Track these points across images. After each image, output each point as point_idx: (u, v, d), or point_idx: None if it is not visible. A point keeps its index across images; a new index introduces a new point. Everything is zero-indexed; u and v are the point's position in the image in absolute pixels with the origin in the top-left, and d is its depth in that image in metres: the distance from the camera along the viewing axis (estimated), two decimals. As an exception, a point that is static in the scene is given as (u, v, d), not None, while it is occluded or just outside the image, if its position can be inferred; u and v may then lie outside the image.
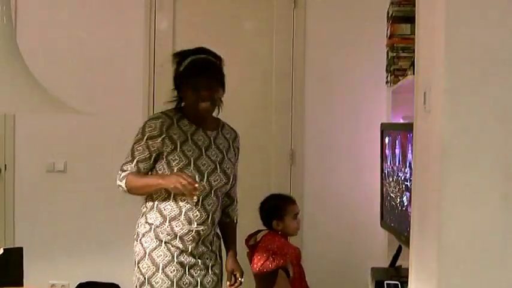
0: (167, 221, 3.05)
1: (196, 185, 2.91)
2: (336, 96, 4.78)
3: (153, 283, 3.02)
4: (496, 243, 2.00)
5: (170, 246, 3.05)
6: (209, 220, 3.09)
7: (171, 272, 3.03)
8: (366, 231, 4.64)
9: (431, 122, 2.22)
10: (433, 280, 2.09)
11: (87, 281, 4.71)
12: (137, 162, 3.07)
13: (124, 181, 3.07)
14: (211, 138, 3.16)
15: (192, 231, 3.05)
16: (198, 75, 3.05)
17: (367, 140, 4.59)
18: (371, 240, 4.61)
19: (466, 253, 2.02)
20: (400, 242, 3.65)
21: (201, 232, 3.07)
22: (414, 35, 2.72)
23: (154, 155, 3.06)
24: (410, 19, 3.55)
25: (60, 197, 4.90)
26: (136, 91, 4.85)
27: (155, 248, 3.05)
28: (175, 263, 3.04)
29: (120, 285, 4.62)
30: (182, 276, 3.05)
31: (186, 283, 3.06)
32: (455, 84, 2.00)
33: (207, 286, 3.13)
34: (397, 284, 3.38)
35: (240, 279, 3.29)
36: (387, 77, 4.15)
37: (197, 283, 3.09)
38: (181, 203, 3.04)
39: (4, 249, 3.33)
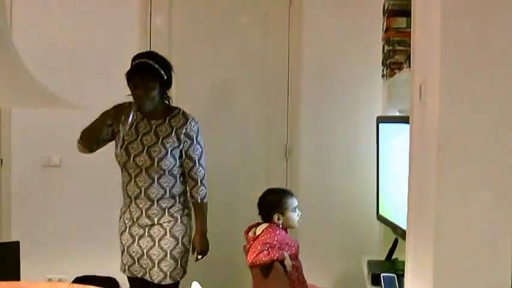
0: (122, 194, 3.76)
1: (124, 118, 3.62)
2: (332, 89, 4.78)
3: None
4: (491, 236, 2.01)
5: (124, 218, 3.74)
6: (143, 194, 3.64)
7: (123, 241, 3.73)
8: (362, 224, 4.64)
9: (427, 115, 2.22)
10: (429, 273, 2.10)
11: (84, 275, 4.71)
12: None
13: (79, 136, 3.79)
14: (153, 126, 3.68)
15: (132, 203, 3.68)
16: (135, 76, 3.61)
17: (363, 133, 4.60)
18: (367, 233, 4.61)
19: (461, 246, 2.02)
20: (397, 235, 3.66)
21: (140, 205, 3.65)
22: (410, 28, 2.72)
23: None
24: (406, 13, 3.55)
25: (56, 191, 4.90)
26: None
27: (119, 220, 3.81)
28: (127, 233, 3.71)
29: (117, 279, 4.62)
30: (131, 245, 3.68)
31: (134, 251, 3.68)
32: (451, 78, 2.00)
33: (153, 258, 3.64)
34: (394, 277, 3.39)
35: (195, 255, 3.78)
36: (383, 70, 4.15)
37: (143, 253, 3.65)
38: (124, 179, 3.71)
39: (0, 243, 3.33)
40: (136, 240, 3.68)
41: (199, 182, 3.75)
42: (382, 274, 3.45)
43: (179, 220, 3.69)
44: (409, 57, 3.01)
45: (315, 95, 4.80)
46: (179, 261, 3.68)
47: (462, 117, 1.99)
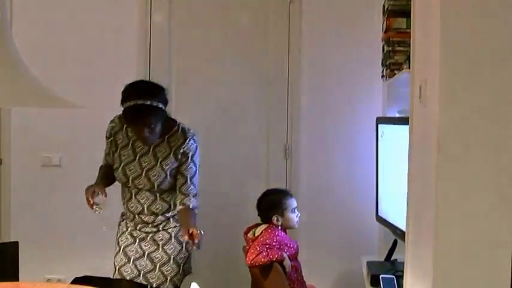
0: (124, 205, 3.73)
1: (93, 206, 3.43)
2: (332, 90, 4.78)
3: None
4: (491, 236, 2.00)
5: (126, 222, 3.72)
6: (146, 210, 3.61)
7: (121, 241, 3.68)
8: (362, 225, 4.64)
9: (427, 116, 2.22)
10: (428, 274, 2.10)
11: (83, 275, 4.70)
12: (105, 155, 3.77)
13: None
14: (152, 147, 3.60)
15: (135, 218, 3.66)
16: (135, 121, 3.48)
17: (362, 134, 4.59)
18: (366, 234, 4.61)
19: (461, 247, 2.02)
20: (396, 236, 3.66)
21: (144, 219, 3.63)
22: (410, 29, 2.72)
23: (111, 151, 3.70)
24: (406, 13, 3.55)
25: (55, 191, 4.89)
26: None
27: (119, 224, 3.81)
28: (127, 233, 3.68)
29: (116, 279, 4.62)
30: (130, 244, 3.65)
31: (133, 251, 3.63)
32: (451, 78, 2.00)
33: (154, 260, 3.60)
34: (393, 278, 3.39)
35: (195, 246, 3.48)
36: (383, 71, 4.15)
37: (143, 254, 3.61)
38: (124, 194, 3.70)
39: (0, 243, 3.33)
40: (138, 241, 3.64)
41: (191, 196, 3.63)
42: (381, 275, 3.44)
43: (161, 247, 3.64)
44: (408, 58, 3.00)
45: (315, 95, 4.79)
46: (181, 267, 3.64)
47: (462, 117, 1.99)
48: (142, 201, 3.61)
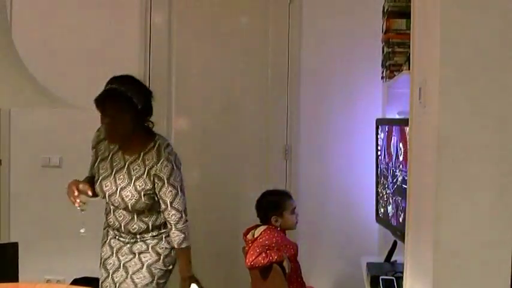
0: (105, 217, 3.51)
1: (76, 201, 3.24)
2: (331, 91, 4.78)
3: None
4: (491, 237, 2.00)
5: (107, 230, 3.51)
6: (122, 228, 3.38)
7: (102, 252, 3.49)
8: (361, 226, 4.64)
9: (427, 117, 2.22)
10: (428, 275, 2.10)
11: (82, 276, 4.70)
12: (90, 167, 3.53)
13: None
14: (127, 163, 3.33)
15: (114, 232, 3.45)
16: (103, 103, 3.21)
17: (362, 135, 4.59)
18: (366, 235, 4.61)
19: (460, 248, 2.02)
20: (396, 237, 3.65)
21: (122, 238, 3.42)
22: (410, 30, 2.72)
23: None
24: (406, 14, 3.55)
25: (55, 192, 4.86)
26: (132, 86, 4.84)
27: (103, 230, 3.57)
28: (106, 244, 3.47)
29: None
30: (109, 257, 3.43)
31: (110, 263, 3.42)
32: (451, 79, 2.00)
33: (128, 270, 3.36)
34: (393, 279, 3.38)
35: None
36: (383, 72, 4.14)
37: (119, 265, 3.39)
38: (106, 207, 3.46)
39: (-1, 244, 3.33)
40: (115, 252, 3.43)
41: (173, 227, 3.32)
42: (381, 276, 3.44)
43: (164, 240, 3.41)
44: (408, 59, 3.00)
45: (315, 96, 4.80)
46: (155, 278, 3.36)
47: (461, 119, 1.99)
48: (119, 219, 3.38)
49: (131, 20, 4.83)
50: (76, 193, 3.24)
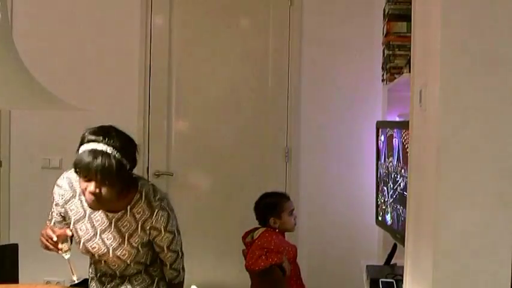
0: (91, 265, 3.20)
1: (59, 248, 2.86)
2: (332, 94, 4.79)
3: None
4: (491, 241, 2.00)
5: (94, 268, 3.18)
6: (117, 274, 3.07)
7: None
8: (361, 229, 4.64)
9: (427, 120, 2.22)
10: (428, 278, 2.10)
11: (82, 278, 4.70)
12: (54, 223, 3.08)
13: None
14: (113, 220, 2.93)
15: (103, 279, 3.12)
16: (87, 173, 2.72)
17: (362, 138, 4.60)
18: (366, 238, 4.62)
19: (461, 251, 2.02)
20: (395, 240, 3.65)
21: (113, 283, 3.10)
22: (410, 33, 2.72)
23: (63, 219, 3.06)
24: (406, 17, 3.55)
25: (55, 193, 4.88)
26: (132, 88, 4.85)
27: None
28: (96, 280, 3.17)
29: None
30: None
31: None
32: (451, 83, 2.00)
33: None
34: (392, 282, 3.38)
35: None
36: (383, 75, 4.15)
37: None
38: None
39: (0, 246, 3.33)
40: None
41: (168, 266, 3.07)
42: (380, 279, 3.44)
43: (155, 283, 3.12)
44: (409, 62, 3.00)
45: (315, 98, 4.80)
46: None
47: (462, 121, 1.99)
48: (113, 267, 3.06)
49: (132, 22, 4.84)
50: (55, 238, 2.83)
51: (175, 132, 4.92)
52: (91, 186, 2.73)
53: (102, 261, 3.04)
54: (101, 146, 2.70)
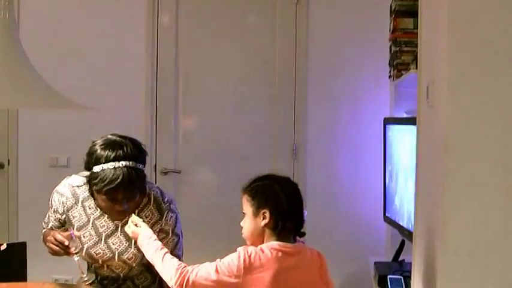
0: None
1: (71, 251, 2.80)
2: (339, 90, 4.78)
3: None
4: (499, 237, 2.00)
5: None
6: (121, 276, 3.00)
7: None
8: (369, 225, 4.64)
9: (434, 117, 2.22)
10: (436, 275, 2.09)
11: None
12: (51, 228, 3.07)
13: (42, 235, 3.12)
14: (119, 226, 2.91)
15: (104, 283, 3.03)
16: (120, 190, 2.72)
17: (370, 135, 4.59)
18: (374, 234, 4.61)
19: (468, 248, 2.01)
20: (403, 236, 3.65)
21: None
22: (417, 29, 2.72)
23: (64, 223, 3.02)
24: (413, 13, 3.54)
25: (63, 192, 4.90)
26: (139, 86, 4.86)
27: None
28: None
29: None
30: None
31: None
32: (458, 79, 1.99)
33: None
34: (400, 279, 3.38)
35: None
36: (390, 71, 4.14)
37: None
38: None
39: (8, 244, 3.34)
40: None
41: None
42: (388, 276, 3.44)
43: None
44: (416, 58, 3.00)
45: (322, 95, 4.80)
46: None
47: (469, 118, 1.98)
48: (117, 270, 3.00)
49: (139, 20, 4.85)
50: (67, 243, 2.79)
51: (182, 129, 4.93)
52: (119, 206, 2.76)
53: (105, 266, 2.99)
54: (122, 163, 2.71)
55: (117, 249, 2.93)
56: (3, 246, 3.26)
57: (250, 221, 2.64)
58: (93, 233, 2.93)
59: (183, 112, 4.92)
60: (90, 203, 2.94)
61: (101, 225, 2.93)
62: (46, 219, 3.15)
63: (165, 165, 4.90)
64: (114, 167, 2.70)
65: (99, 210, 2.93)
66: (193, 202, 4.75)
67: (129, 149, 2.76)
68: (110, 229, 2.93)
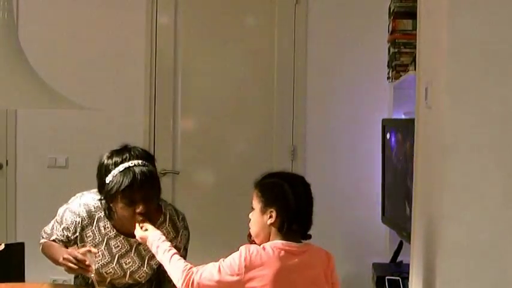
0: None
1: (91, 268, 2.74)
2: (337, 91, 4.78)
3: None
4: (497, 239, 2.00)
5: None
6: (127, 276, 2.95)
7: None
8: (367, 226, 4.63)
9: (433, 118, 2.22)
10: (434, 276, 2.10)
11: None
12: (55, 240, 3.04)
13: (41, 246, 3.10)
14: (134, 245, 2.90)
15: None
16: (135, 191, 2.72)
17: (368, 136, 4.59)
18: (372, 235, 4.60)
19: (467, 249, 2.02)
20: (401, 238, 3.65)
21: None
22: (416, 30, 2.72)
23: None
24: (412, 15, 3.55)
25: (61, 192, 4.83)
26: (138, 87, 4.85)
27: None
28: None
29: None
30: None
31: None
32: (457, 80, 2.00)
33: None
34: (398, 280, 3.39)
35: None
36: (389, 72, 4.15)
37: None
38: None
39: (5, 244, 3.33)
40: None
41: (170, 283, 2.74)
42: (387, 277, 3.44)
43: None
44: (414, 60, 3.00)
45: (321, 96, 4.79)
46: None
47: (467, 119, 1.99)
48: (125, 266, 2.96)
49: (137, 21, 4.84)
50: (88, 262, 2.75)
51: (181, 130, 4.92)
52: (139, 208, 2.72)
53: (112, 261, 2.94)
54: (132, 163, 2.74)
55: (129, 268, 2.92)
56: (1, 247, 3.25)
57: (257, 217, 2.63)
58: (106, 253, 2.91)
59: (181, 113, 4.92)
60: (106, 223, 2.92)
61: (115, 245, 2.92)
62: (49, 231, 3.10)
63: (163, 166, 4.89)
64: (125, 168, 2.73)
65: (114, 230, 2.90)
66: (192, 203, 4.74)
67: (136, 151, 2.80)
68: (124, 249, 2.91)
